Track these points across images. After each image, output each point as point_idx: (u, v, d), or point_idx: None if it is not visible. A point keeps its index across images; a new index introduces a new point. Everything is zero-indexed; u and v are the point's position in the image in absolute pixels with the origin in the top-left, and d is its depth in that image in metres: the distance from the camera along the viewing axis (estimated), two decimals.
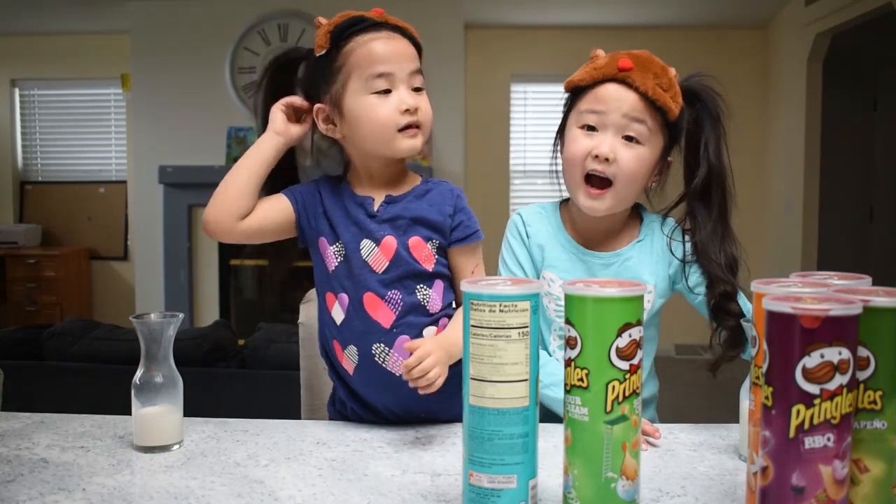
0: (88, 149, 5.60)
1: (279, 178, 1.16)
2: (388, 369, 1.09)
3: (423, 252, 1.10)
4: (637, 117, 1.13)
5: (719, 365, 1.15)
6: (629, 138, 1.14)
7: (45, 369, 2.38)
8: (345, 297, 1.10)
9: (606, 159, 1.13)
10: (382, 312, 1.09)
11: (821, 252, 4.58)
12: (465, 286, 0.76)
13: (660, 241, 1.22)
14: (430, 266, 1.10)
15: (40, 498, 0.83)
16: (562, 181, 1.23)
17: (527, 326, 0.74)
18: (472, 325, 0.74)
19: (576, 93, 1.19)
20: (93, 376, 2.32)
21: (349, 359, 1.11)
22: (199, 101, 4.76)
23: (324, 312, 1.14)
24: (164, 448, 0.98)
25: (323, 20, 1.11)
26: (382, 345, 1.09)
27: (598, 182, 1.16)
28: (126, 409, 1.02)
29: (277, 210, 1.13)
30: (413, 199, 1.12)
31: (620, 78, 1.13)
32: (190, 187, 4.74)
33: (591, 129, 1.16)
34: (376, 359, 1.09)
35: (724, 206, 1.19)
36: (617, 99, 1.13)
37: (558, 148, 1.24)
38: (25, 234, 5.32)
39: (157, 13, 4.74)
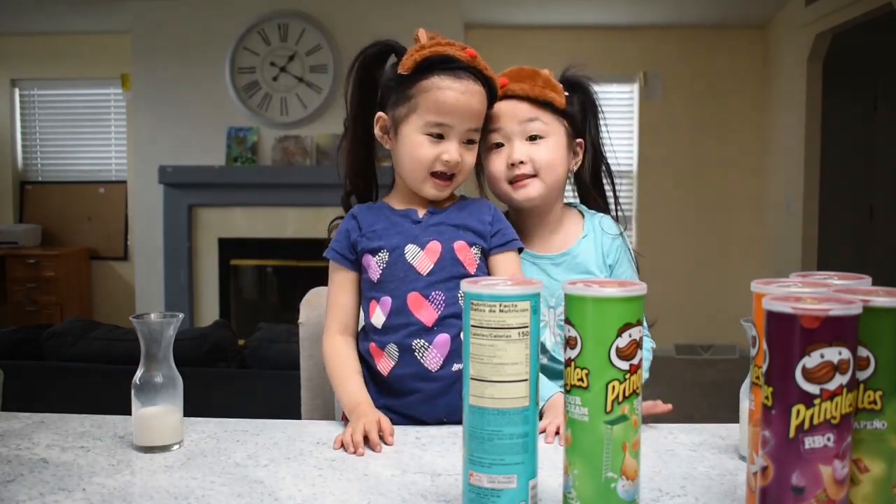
0: (88, 149, 5.60)
1: (360, 174, 1.24)
2: (425, 364, 1.10)
3: (468, 255, 1.14)
4: (530, 118, 1.24)
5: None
6: (533, 137, 1.24)
7: (45, 369, 2.38)
8: (387, 299, 1.12)
9: (522, 162, 1.23)
10: (426, 311, 1.11)
11: (821, 252, 4.58)
12: (465, 286, 0.76)
13: (601, 235, 1.30)
14: (473, 269, 1.14)
15: (40, 498, 0.83)
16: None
17: (527, 326, 0.74)
18: (472, 325, 0.75)
19: None
20: (93, 376, 2.32)
21: (388, 357, 1.12)
22: (199, 101, 4.76)
23: (365, 322, 1.16)
24: (164, 448, 0.98)
25: (423, 35, 1.13)
26: (423, 340, 1.11)
27: (522, 177, 1.24)
28: (126, 409, 1.02)
29: (354, 289, 1.18)
30: (454, 210, 1.18)
31: (502, 94, 1.23)
32: (190, 187, 4.74)
33: (499, 145, 1.25)
34: (415, 353, 1.11)
35: (612, 181, 1.35)
36: (508, 111, 1.24)
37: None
38: (25, 234, 5.31)
39: (157, 13, 4.74)
